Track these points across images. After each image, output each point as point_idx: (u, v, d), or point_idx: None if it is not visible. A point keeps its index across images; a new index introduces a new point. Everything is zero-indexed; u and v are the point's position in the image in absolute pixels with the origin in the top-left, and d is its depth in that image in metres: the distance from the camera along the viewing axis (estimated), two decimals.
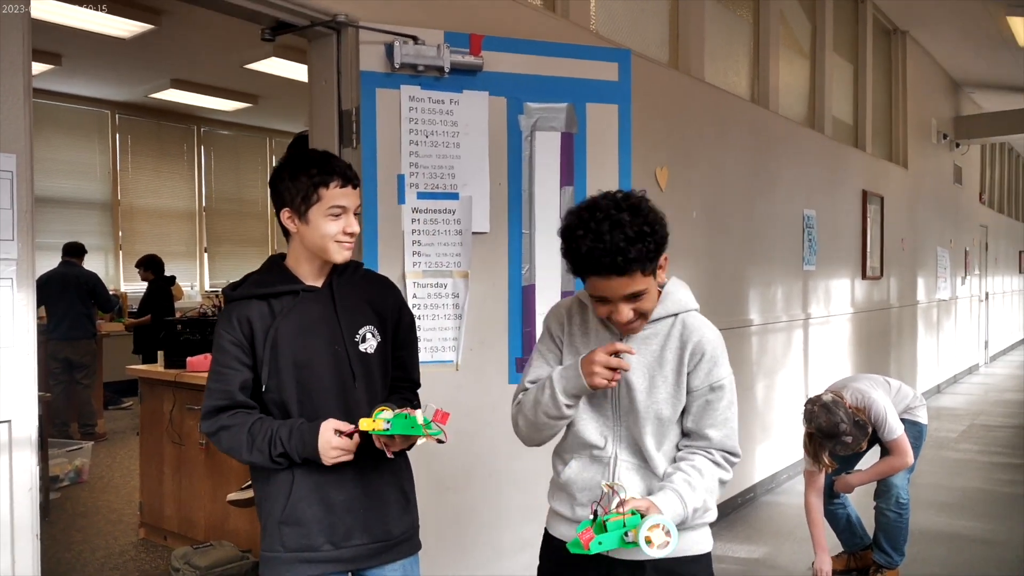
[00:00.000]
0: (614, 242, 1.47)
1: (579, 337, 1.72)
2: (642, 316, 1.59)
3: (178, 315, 5.65)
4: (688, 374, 1.64)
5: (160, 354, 4.26)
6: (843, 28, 6.82)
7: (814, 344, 5.87)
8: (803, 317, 5.71)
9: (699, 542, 1.70)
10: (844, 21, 6.85)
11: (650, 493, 1.62)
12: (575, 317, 1.73)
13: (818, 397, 3.36)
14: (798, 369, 5.65)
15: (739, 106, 4.93)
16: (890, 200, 7.41)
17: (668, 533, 1.44)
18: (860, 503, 3.77)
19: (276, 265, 1.82)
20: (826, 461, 3.32)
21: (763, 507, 4.84)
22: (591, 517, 1.50)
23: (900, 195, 7.81)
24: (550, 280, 2.99)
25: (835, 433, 3.22)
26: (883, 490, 3.52)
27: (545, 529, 1.81)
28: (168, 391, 3.93)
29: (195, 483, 3.85)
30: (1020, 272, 15.36)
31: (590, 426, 1.70)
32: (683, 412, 1.67)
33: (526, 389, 1.74)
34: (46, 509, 4.33)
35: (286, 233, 1.78)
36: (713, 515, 1.70)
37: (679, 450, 1.67)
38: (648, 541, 1.44)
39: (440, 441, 1.63)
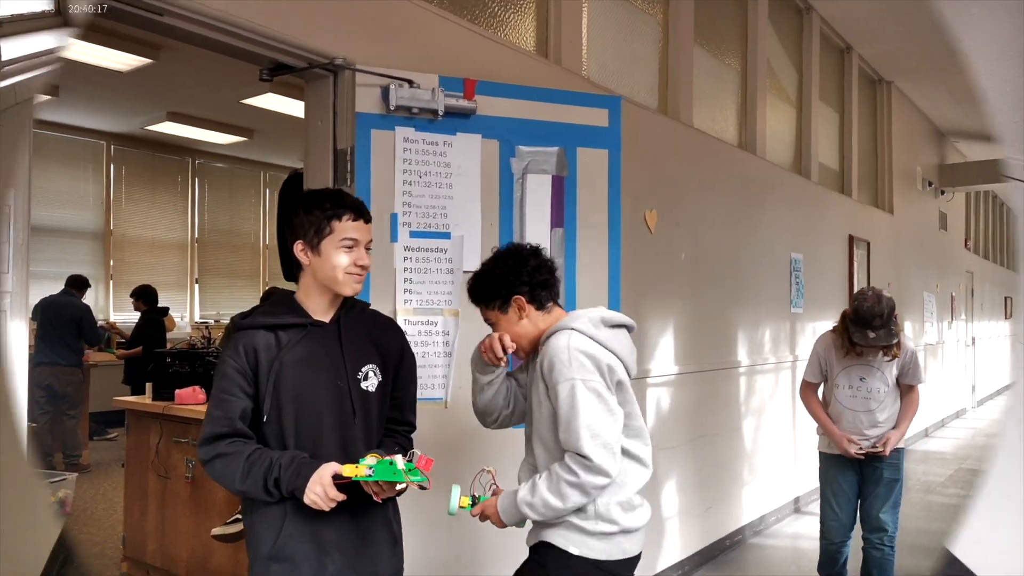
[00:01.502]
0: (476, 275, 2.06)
1: None
2: (514, 341, 2.00)
3: (168, 347, 5.63)
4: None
5: (148, 386, 4.25)
6: (829, 77, 6.98)
7: None
8: (791, 359, 5.75)
9: (560, 536, 1.89)
10: (830, 71, 7.01)
11: None
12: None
13: (881, 291, 3.47)
14: (786, 411, 5.67)
15: (727, 151, 5.02)
16: (876, 245, 7.51)
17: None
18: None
19: (285, 299, 1.84)
20: (854, 340, 3.39)
21: (751, 549, 4.82)
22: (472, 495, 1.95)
23: (886, 240, 7.92)
24: None
25: (868, 321, 3.32)
26: (875, 525, 3.53)
27: None
28: (155, 423, 3.91)
29: (179, 517, 3.81)
30: (1006, 317, 15.48)
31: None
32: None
33: None
34: None
35: (298, 268, 1.82)
36: (592, 525, 1.88)
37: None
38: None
39: (423, 487, 1.64)
